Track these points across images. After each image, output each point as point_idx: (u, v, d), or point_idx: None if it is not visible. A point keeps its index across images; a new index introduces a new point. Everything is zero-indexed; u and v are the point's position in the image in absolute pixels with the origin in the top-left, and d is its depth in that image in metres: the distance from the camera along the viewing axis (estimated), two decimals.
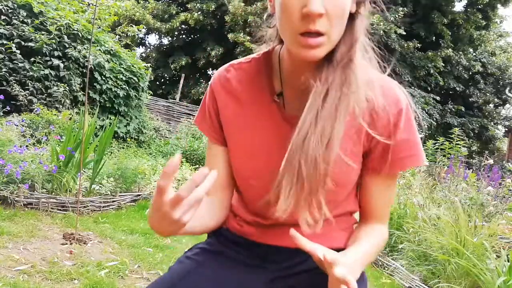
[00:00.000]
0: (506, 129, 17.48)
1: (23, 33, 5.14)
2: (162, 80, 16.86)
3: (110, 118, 6.08)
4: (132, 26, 10.27)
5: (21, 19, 5.24)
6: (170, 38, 16.33)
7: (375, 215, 0.80)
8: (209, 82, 0.84)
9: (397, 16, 12.47)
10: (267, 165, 0.74)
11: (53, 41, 5.28)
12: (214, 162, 0.82)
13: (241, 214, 0.85)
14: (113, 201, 3.64)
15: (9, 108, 4.58)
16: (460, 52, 15.45)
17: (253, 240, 0.82)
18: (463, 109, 16.12)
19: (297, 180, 0.64)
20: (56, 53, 5.31)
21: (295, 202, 0.64)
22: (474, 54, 16.94)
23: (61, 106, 5.23)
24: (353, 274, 0.62)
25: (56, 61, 5.25)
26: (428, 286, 2.74)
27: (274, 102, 0.75)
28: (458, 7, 16.12)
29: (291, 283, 0.78)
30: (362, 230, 0.80)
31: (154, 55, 15.74)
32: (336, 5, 0.61)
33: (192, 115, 11.25)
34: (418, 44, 13.24)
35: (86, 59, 5.52)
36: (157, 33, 15.78)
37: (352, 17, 0.67)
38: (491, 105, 17.58)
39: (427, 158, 4.63)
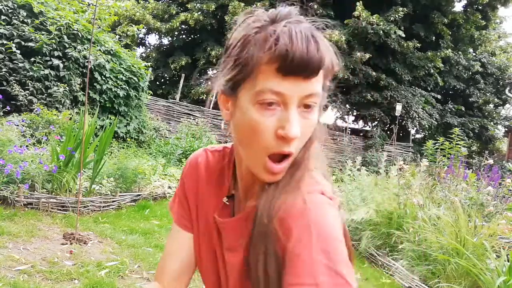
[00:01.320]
0: (506, 129, 17.48)
1: (23, 33, 5.14)
2: (162, 80, 16.86)
3: (110, 118, 6.08)
4: (132, 26, 10.28)
5: (21, 19, 5.24)
6: (170, 38, 16.33)
7: None
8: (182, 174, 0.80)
9: (397, 16, 12.48)
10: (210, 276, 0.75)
11: (53, 41, 5.28)
12: (178, 248, 0.78)
13: None
14: (113, 201, 3.64)
15: (9, 108, 4.58)
16: (460, 52, 15.46)
17: None
18: (463, 109, 16.13)
19: None
20: (56, 53, 5.31)
21: None
22: (474, 54, 16.95)
23: (61, 106, 5.23)
24: None
25: (56, 61, 5.25)
26: (428, 286, 2.74)
27: (224, 204, 0.72)
28: (458, 7, 16.12)
29: None
30: None
31: (154, 55, 15.74)
32: (310, 126, 0.59)
33: (192, 115, 11.24)
34: (418, 44, 13.23)
35: (86, 59, 5.52)
36: (157, 33, 15.78)
37: None
38: (491, 105, 17.58)
39: (427, 158, 4.63)
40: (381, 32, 12.25)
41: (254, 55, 0.55)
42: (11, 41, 4.97)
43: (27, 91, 4.95)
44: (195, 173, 0.76)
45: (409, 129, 14.76)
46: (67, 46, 5.44)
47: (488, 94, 16.66)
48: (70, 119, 4.71)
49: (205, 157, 0.77)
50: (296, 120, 0.56)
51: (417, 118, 13.52)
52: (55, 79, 5.30)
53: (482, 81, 16.71)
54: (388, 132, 14.82)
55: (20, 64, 5.00)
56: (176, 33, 15.77)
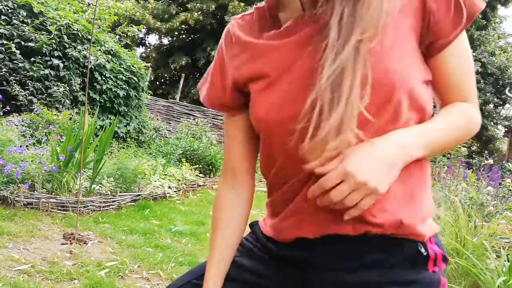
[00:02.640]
0: (506, 129, 17.48)
1: (23, 33, 5.14)
2: (162, 80, 16.87)
3: (110, 118, 6.08)
4: (132, 26, 10.28)
5: (21, 19, 5.24)
6: (170, 38, 16.33)
7: (455, 96, 0.66)
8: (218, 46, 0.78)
9: None
10: (289, 93, 0.62)
11: (53, 41, 5.28)
12: (233, 139, 0.76)
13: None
14: (113, 201, 3.64)
15: (9, 108, 4.58)
16: None
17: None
18: None
19: (332, 96, 0.53)
20: (56, 53, 5.31)
21: (339, 121, 0.53)
22: (474, 54, 16.95)
23: (61, 106, 5.23)
24: (362, 164, 0.53)
25: (56, 61, 5.25)
26: None
27: (281, 30, 0.66)
28: None
29: None
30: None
31: (154, 55, 15.75)
32: None
33: (192, 115, 11.25)
34: None
35: (86, 59, 5.52)
36: (157, 33, 15.79)
37: None
38: (491, 105, 17.59)
39: None
40: None
41: None
42: (11, 41, 4.98)
43: (27, 91, 4.95)
44: (230, 38, 0.74)
45: None
46: (67, 46, 5.44)
47: (488, 94, 16.66)
48: (70, 119, 4.71)
49: (235, 22, 0.75)
50: None
51: None
52: (55, 79, 5.30)
53: (482, 81, 16.72)
54: None
55: (20, 64, 5.00)
56: (176, 33, 15.78)
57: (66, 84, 5.37)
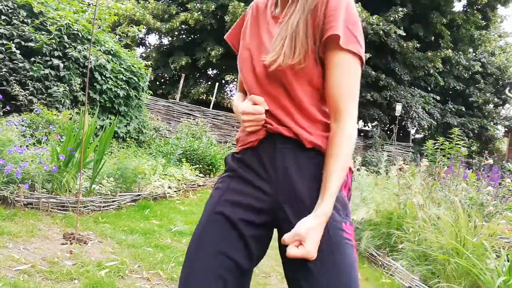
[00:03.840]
0: (506, 129, 17.48)
1: (23, 33, 5.14)
2: (162, 80, 16.86)
3: (110, 118, 6.08)
4: (132, 26, 10.28)
5: (21, 19, 5.24)
6: (170, 38, 16.33)
7: (335, 109, 0.93)
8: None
9: (396, 16, 12.47)
10: (259, 44, 1.02)
11: (53, 41, 5.28)
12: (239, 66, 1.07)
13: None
14: (113, 201, 3.64)
15: (9, 108, 4.58)
16: (460, 52, 15.45)
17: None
18: (463, 109, 16.12)
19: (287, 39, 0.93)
20: (56, 53, 5.31)
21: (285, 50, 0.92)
22: (474, 54, 16.95)
23: (61, 106, 5.23)
24: (310, 240, 0.85)
25: (56, 61, 5.25)
26: (428, 286, 2.74)
27: (271, 13, 1.06)
28: (458, 7, 16.12)
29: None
30: (327, 150, 0.94)
31: (154, 55, 15.75)
32: None
33: (192, 115, 11.25)
34: (418, 44, 13.23)
35: (86, 59, 5.52)
36: (157, 33, 15.78)
37: None
38: (491, 105, 17.59)
39: (427, 158, 4.63)
40: (381, 32, 12.23)
41: None
42: (11, 41, 4.97)
43: (27, 91, 4.95)
44: (255, 10, 1.09)
45: (409, 129, 14.76)
46: (67, 46, 5.44)
47: (488, 94, 16.66)
48: (70, 119, 4.71)
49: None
50: None
51: (416, 118, 13.51)
52: (55, 79, 5.30)
53: (482, 81, 16.72)
54: (388, 132, 14.82)
55: (20, 64, 5.00)
56: (176, 33, 15.77)
57: (66, 84, 5.37)
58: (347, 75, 0.92)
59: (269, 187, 0.95)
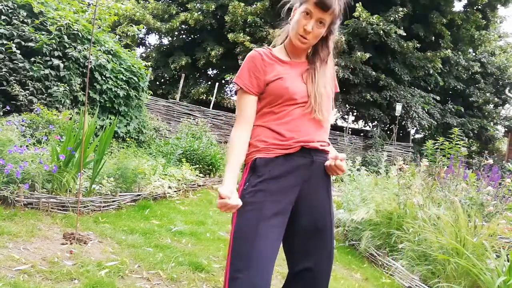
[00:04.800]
0: (506, 129, 17.48)
1: (23, 33, 5.14)
2: (162, 80, 16.85)
3: (110, 118, 6.08)
4: (132, 26, 10.27)
5: (21, 19, 5.24)
6: (170, 38, 16.33)
7: None
8: (249, 55, 1.42)
9: (396, 16, 12.47)
10: (299, 90, 1.38)
11: (53, 41, 5.28)
12: (248, 107, 1.38)
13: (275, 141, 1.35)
14: (113, 201, 3.64)
15: (9, 108, 4.58)
16: (460, 52, 15.44)
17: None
18: (462, 109, 16.12)
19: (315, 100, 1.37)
20: (56, 53, 5.30)
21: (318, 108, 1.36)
22: (473, 54, 16.94)
23: (61, 106, 5.22)
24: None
25: (56, 61, 5.25)
26: (428, 286, 2.74)
27: (288, 63, 1.43)
28: (458, 7, 16.12)
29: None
30: None
31: (154, 55, 15.74)
32: (319, 32, 1.38)
33: (192, 115, 11.24)
34: (418, 44, 13.23)
35: (86, 59, 5.52)
36: (157, 33, 15.78)
37: (326, 37, 1.44)
38: (491, 105, 17.58)
39: (427, 158, 4.63)
40: (381, 32, 12.23)
41: None
42: (11, 41, 4.97)
43: (27, 91, 4.95)
44: (264, 56, 1.41)
45: (409, 129, 14.75)
46: (67, 46, 5.44)
47: (488, 94, 16.66)
48: (70, 119, 4.71)
49: (263, 51, 1.44)
50: (311, 24, 1.35)
51: (416, 118, 13.51)
52: (55, 79, 5.30)
53: (482, 81, 16.71)
54: (388, 132, 14.81)
55: (20, 64, 5.00)
56: (176, 33, 15.77)
57: (66, 84, 5.36)
58: None
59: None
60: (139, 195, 4.06)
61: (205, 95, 15.74)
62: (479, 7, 15.10)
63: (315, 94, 1.35)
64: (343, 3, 1.39)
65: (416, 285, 2.78)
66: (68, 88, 5.36)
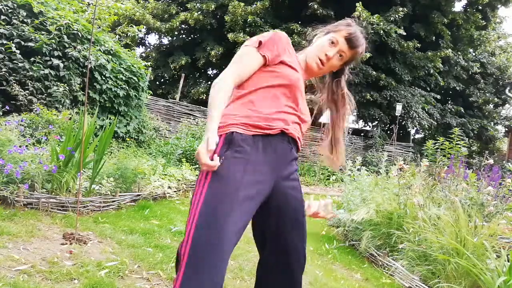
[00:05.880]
0: (506, 129, 17.48)
1: (23, 33, 5.13)
2: (162, 80, 16.85)
3: (110, 118, 6.08)
4: (132, 26, 10.27)
5: (21, 19, 5.24)
6: (170, 38, 16.32)
7: None
8: (277, 32, 1.40)
9: (397, 16, 12.46)
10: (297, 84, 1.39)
11: (53, 41, 5.27)
12: (251, 62, 1.36)
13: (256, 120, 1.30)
14: (113, 201, 3.64)
15: (8, 108, 4.58)
16: (460, 52, 15.43)
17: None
18: (462, 110, 16.11)
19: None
20: (56, 53, 5.30)
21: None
22: (474, 54, 16.92)
23: (61, 106, 5.22)
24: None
25: (56, 61, 5.25)
26: (428, 286, 2.73)
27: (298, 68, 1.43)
28: (458, 7, 16.10)
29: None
30: None
31: (154, 55, 15.73)
32: (337, 62, 1.49)
33: (192, 115, 11.24)
34: (418, 44, 13.22)
35: (86, 59, 5.52)
36: (157, 33, 15.77)
37: (342, 69, 1.53)
38: (491, 105, 17.58)
39: (428, 158, 4.62)
40: (382, 31, 12.23)
41: (341, 27, 1.47)
42: (11, 41, 4.97)
43: (27, 91, 4.95)
44: (287, 39, 1.43)
45: (409, 129, 14.75)
46: (67, 46, 5.44)
47: (488, 94, 16.65)
48: (70, 119, 4.70)
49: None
50: (334, 53, 1.44)
51: (417, 118, 13.50)
52: (55, 79, 5.30)
53: (482, 81, 16.70)
54: (388, 132, 14.81)
55: (20, 64, 4.99)
56: (176, 32, 15.76)
57: (66, 84, 5.36)
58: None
59: None
60: (139, 195, 4.05)
61: (205, 95, 15.72)
62: (479, 7, 15.09)
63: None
64: (364, 49, 1.46)
65: (416, 285, 2.78)
66: (67, 88, 5.35)
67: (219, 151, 1.22)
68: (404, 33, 12.58)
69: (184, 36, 16.36)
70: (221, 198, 1.16)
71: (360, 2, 12.02)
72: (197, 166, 6.21)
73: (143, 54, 16.52)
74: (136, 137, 6.82)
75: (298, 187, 1.39)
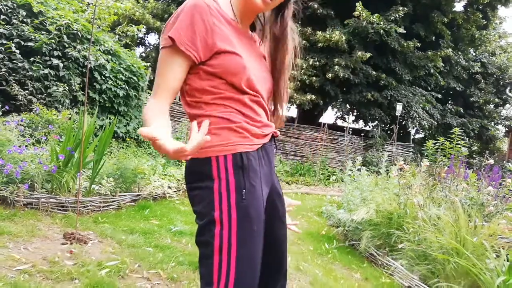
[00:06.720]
0: (507, 129, 17.48)
1: (22, 33, 5.13)
2: None
3: (109, 118, 6.08)
4: (132, 26, 10.26)
5: (20, 19, 5.23)
6: None
7: None
8: (191, 3, 1.02)
9: (397, 15, 12.46)
10: (252, 60, 1.13)
11: (53, 40, 5.27)
12: (177, 72, 1.05)
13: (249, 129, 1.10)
14: (113, 201, 3.64)
15: (8, 108, 4.57)
16: (460, 52, 15.43)
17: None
18: (462, 110, 16.11)
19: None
20: (55, 53, 5.30)
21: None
22: (474, 54, 16.92)
23: (60, 106, 5.22)
24: None
25: (55, 61, 5.25)
26: (427, 286, 2.74)
27: (234, 23, 1.11)
28: (458, 7, 16.10)
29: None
30: None
31: (154, 54, 15.73)
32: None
33: None
34: (418, 44, 13.21)
35: (85, 59, 5.51)
36: (156, 32, 15.77)
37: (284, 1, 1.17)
38: (491, 105, 17.57)
39: (428, 158, 4.62)
40: (382, 31, 12.22)
41: None
42: (11, 41, 4.97)
43: (27, 91, 4.95)
44: (208, 8, 1.04)
45: (409, 129, 14.76)
46: (66, 45, 5.43)
47: (488, 94, 16.65)
48: (70, 119, 4.70)
49: (209, 2, 1.06)
50: None
51: (417, 118, 13.49)
52: (54, 79, 5.30)
53: (482, 81, 16.70)
54: (389, 132, 14.81)
55: (20, 64, 4.99)
56: None
57: (66, 84, 5.36)
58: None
59: None
60: (138, 195, 4.05)
61: None
62: (480, 7, 15.08)
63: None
64: None
65: (415, 285, 2.78)
66: (67, 88, 5.35)
67: (233, 178, 1.03)
68: (404, 31, 12.57)
69: None
70: (256, 239, 1.05)
71: (360, 2, 12.01)
72: None
73: (143, 54, 16.52)
74: (136, 137, 6.82)
75: (281, 193, 1.25)
